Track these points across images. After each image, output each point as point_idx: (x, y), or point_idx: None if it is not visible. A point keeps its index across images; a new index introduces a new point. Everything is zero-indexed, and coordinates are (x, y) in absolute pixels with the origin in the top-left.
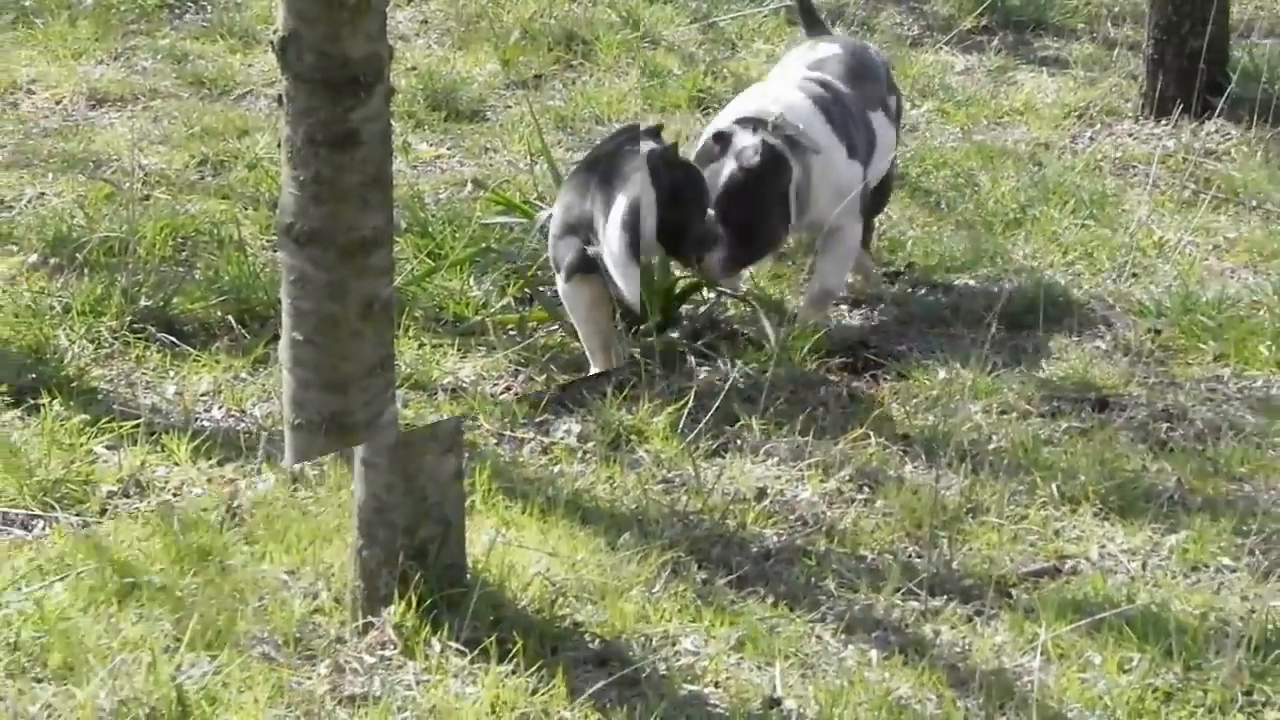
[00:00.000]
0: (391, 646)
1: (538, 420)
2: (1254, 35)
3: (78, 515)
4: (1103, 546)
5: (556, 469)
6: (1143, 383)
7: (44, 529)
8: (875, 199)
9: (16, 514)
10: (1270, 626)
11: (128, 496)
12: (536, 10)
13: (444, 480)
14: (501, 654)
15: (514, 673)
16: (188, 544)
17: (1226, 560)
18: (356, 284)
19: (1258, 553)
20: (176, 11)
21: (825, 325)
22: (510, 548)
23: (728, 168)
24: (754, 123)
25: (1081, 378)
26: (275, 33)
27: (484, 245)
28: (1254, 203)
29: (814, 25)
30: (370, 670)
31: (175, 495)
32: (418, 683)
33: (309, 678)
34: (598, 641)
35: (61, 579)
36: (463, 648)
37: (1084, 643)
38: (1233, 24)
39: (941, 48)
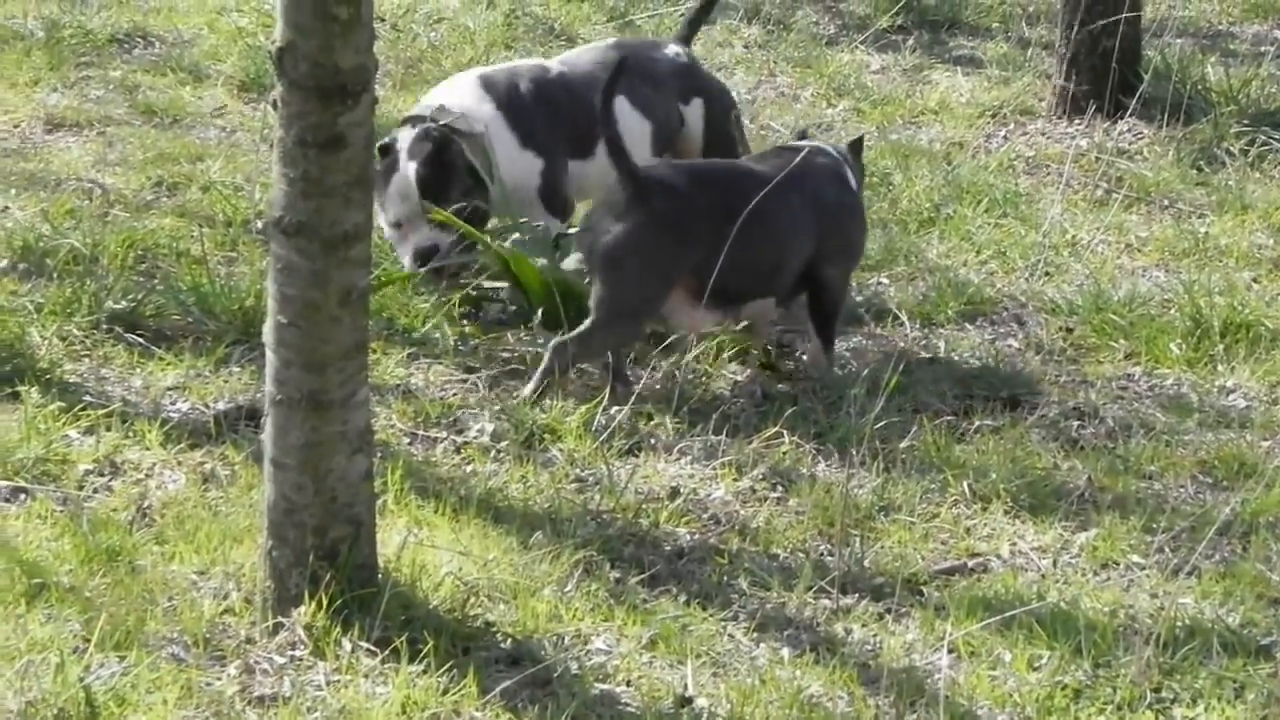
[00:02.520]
0: (302, 646)
1: (451, 419)
2: (1166, 35)
3: (57, 491)
4: (1013, 544)
5: (469, 468)
6: (1054, 381)
7: (24, 501)
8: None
9: (1, 486)
10: (1179, 624)
11: (103, 475)
12: (473, 55)
13: (354, 480)
14: (412, 654)
15: (425, 672)
16: (97, 544)
17: (1136, 558)
18: (338, 274)
19: (1167, 550)
20: (126, 46)
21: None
22: (422, 547)
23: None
24: (413, 120)
25: (994, 376)
26: (273, 43)
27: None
28: (1165, 202)
29: (686, 34)
30: (280, 671)
31: (148, 476)
32: (328, 683)
33: (219, 678)
34: (509, 641)
35: None
36: (374, 648)
37: (994, 640)
38: (1145, 24)
39: (857, 47)
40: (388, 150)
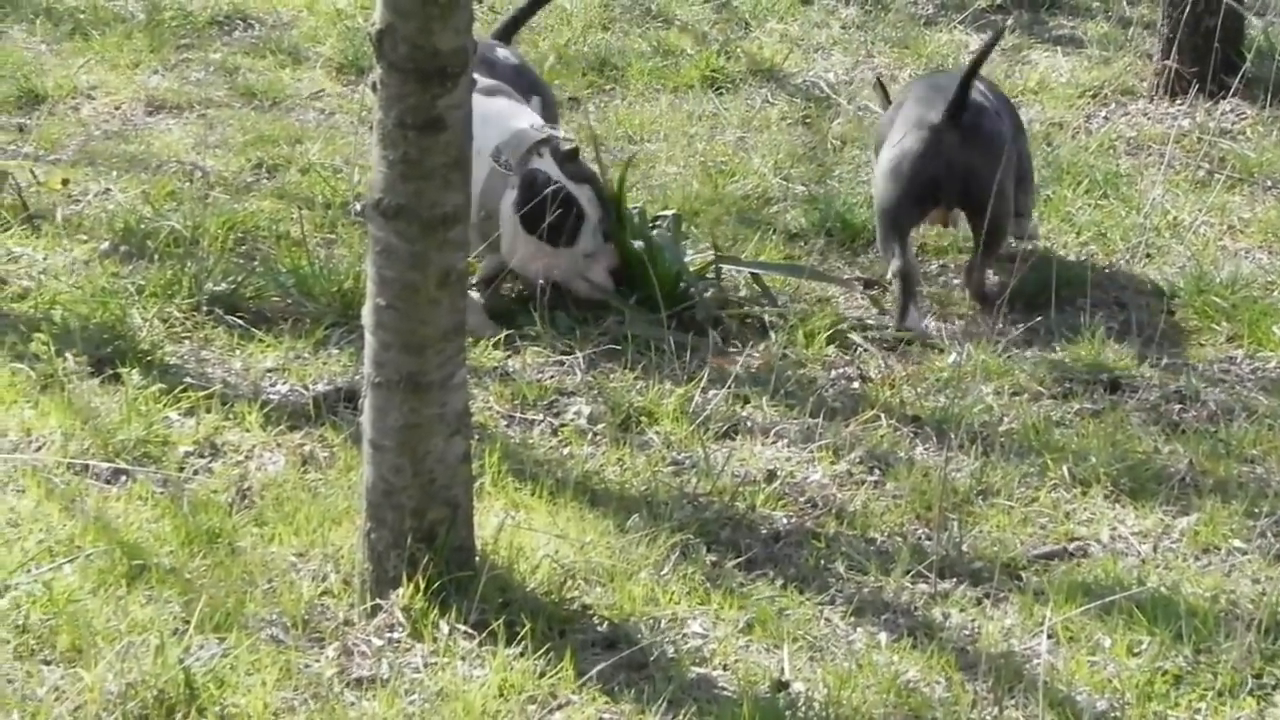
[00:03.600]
0: (400, 629)
1: (548, 402)
2: (1269, 14)
3: (157, 472)
4: (1113, 529)
5: (566, 451)
6: (1155, 364)
7: (125, 483)
8: None
9: (102, 468)
10: None
11: (203, 457)
12: (569, 37)
13: (452, 462)
14: (509, 636)
15: (522, 655)
16: (197, 526)
17: (1238, 543)
18: (436, 256)
19: (1269, 535)
20: (226, 28)
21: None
22: (519, 530)
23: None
24: (539, 145)
25: (1094, 359)
26: (373, 25)
27: None
28: (1269, 183)
29: (506, 33)
30: (378, 653)
31: (248, 458)
32: (425, 665)
33: (317, 660)
34: (606, 624)
35: (71, 560)
36: (471, 630)
37: (1093, 626)
38: (1248, 2)
39: (956, 27)
40: (537, 184)
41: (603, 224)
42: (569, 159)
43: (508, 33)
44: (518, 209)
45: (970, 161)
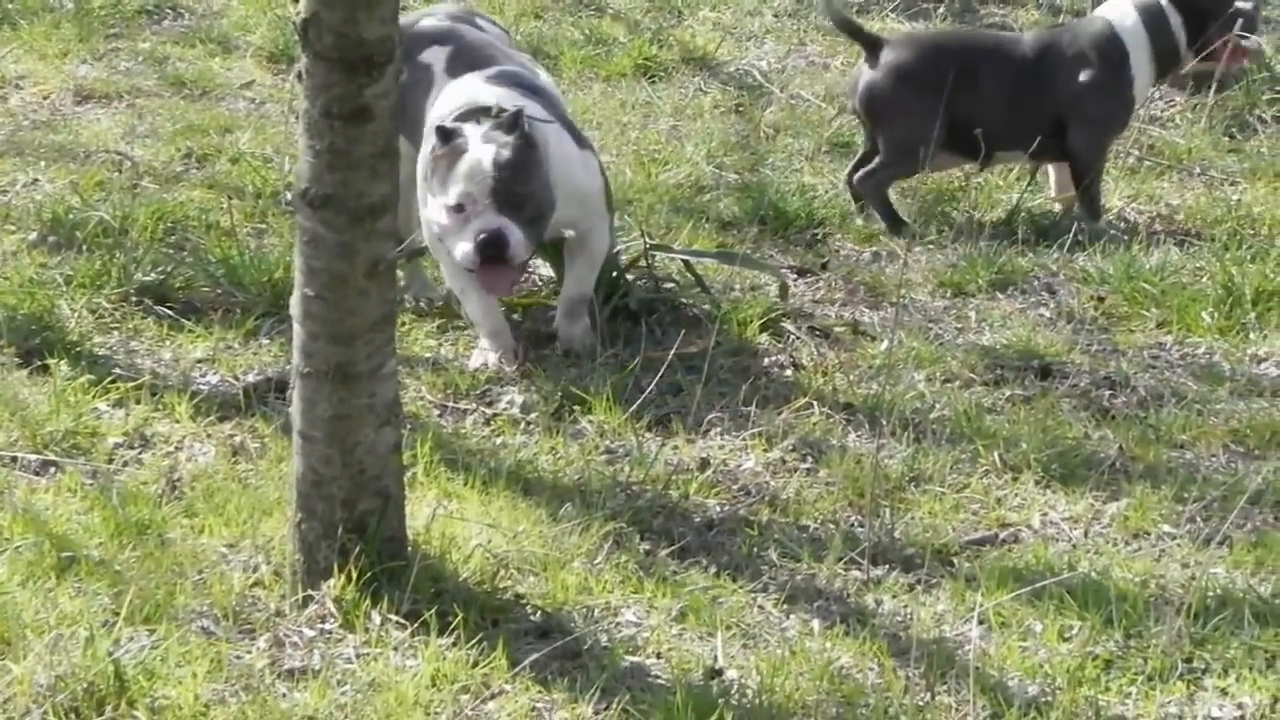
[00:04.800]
0: (331, 620)
1: (480, 391)
2: None
3: (86, 464)
4: (1044, 514)
5: (499, 440)
6: (1085, 350)
7: (54, 474)
8: None
9: (31, 460)
10: (1210, 594)
11: (133, 448)
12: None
13: (382, 453)
14: (442, 626)
15: (454, 645)
16: (126, 517)
17: (1167, 527)
18: (364, 246)
19: (1198, 520)
20: (155, 17)
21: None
22: (451, 520)
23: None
24: (475, 113)
25: (1025, 345)
26: (298, 14)
27: None
28: (1197, 169)
29: None
30: (310, 644)
31: (178, 449)
32: (358, 656)
33: (248, 651)
34: (539, 613)
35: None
36: (403, 620)
37: (1025, 611)
38: None
39: (888, 15)
40: (449, 135)
41: (489, 186)
42: (509, 122)
43: None
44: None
45: None
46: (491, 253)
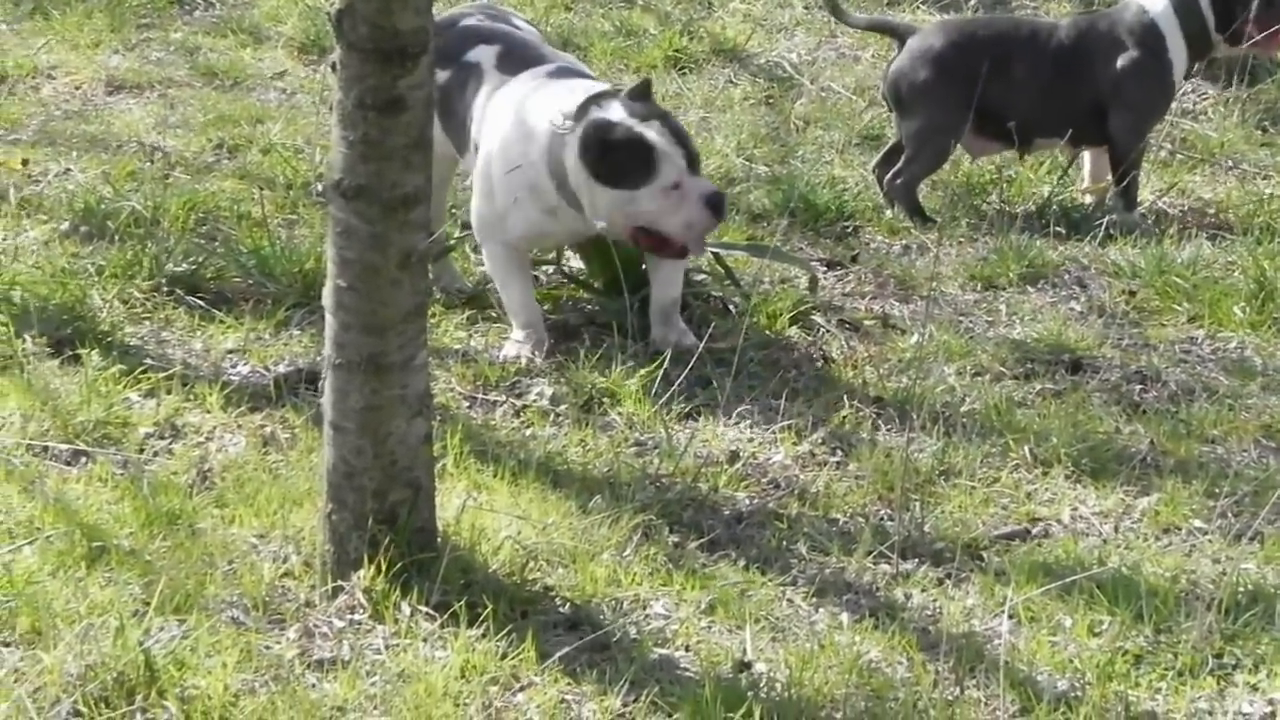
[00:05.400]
0: (361, 610)
1: (510, 383)
2: None
3: (117, 454)
4: (1074, 509)
5: (529, 432)
6: (1116, 344)
7: (85, 464)
8: None
9: (62, 450)
10: (1241, 589)
11: (163, 439)
12: (533, 16)
13: (413, 444)
14: (471, 618)
15: (484, 636)
16: (157, 507)
17: (1198, 522)
18: (397, 236)
19: (1229, 515)
20: (187, 8)
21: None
22: (481, 511)
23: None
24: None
25: (1055, 340)
26: (333, 5)
27: None
28: (1230, 163)
29: None
30: (340, 634)
31: (209, 439)
32: (387, 647)
33: (278, 642)
34: (568, 605)
35: (30, 542)
36: (433, 612)
37: (1054, 606)
38: None
39: (919, 6)
40: (607, 127)
41: (682, 155)
42: (636, 97)
43: None
44: (582, 159)
45: None
46: (721, 205)
